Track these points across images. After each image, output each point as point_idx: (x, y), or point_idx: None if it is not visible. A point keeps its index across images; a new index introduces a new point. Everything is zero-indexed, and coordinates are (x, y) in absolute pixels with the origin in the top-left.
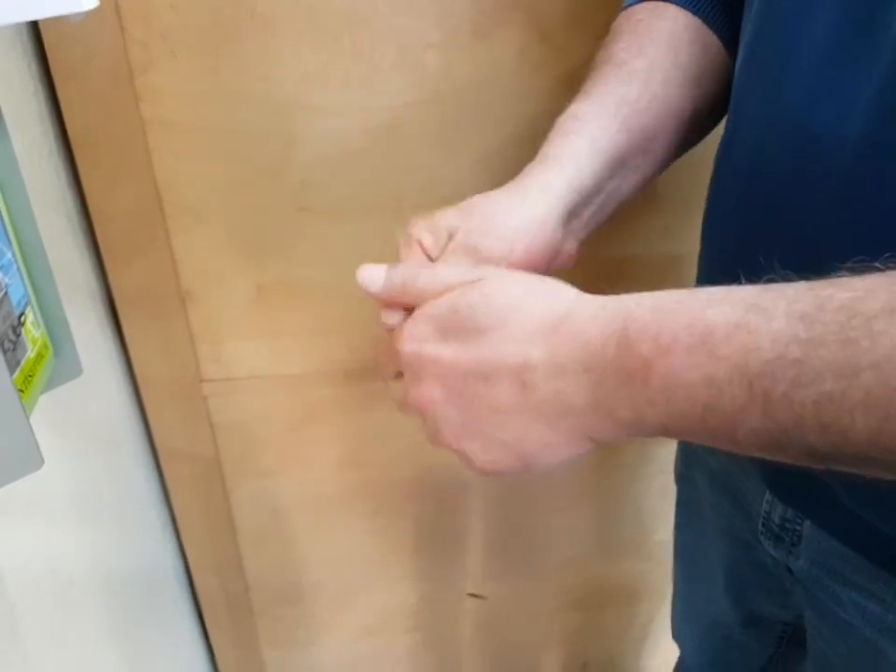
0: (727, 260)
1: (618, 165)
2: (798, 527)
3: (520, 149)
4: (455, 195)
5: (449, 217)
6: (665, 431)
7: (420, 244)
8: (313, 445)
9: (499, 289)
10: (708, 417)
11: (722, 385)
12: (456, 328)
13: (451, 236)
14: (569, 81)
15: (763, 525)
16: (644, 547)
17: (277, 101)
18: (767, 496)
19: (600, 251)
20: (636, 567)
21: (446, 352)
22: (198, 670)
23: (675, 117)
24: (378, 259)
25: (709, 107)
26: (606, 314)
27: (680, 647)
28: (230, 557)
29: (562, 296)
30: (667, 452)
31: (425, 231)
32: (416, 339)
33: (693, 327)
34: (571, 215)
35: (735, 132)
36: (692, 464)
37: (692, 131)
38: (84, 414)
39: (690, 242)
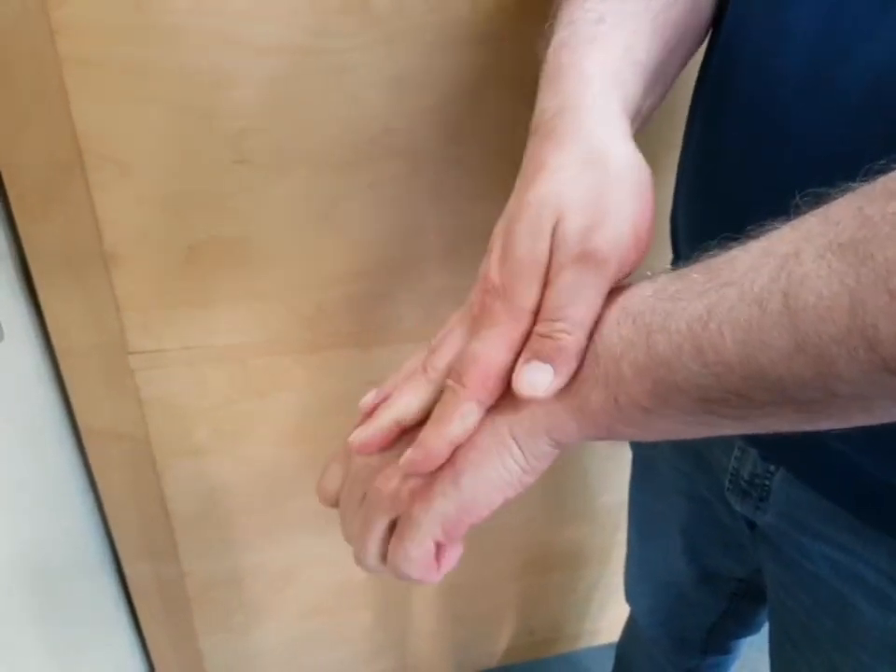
0: (723, 212)
1: (653, 80)
2: (767, 482)
3: (478, 96)
4: (408, 145)
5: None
6: (569, 389)
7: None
8: (251, 421)
9: None
10: (601, 355)
11: (612, 323)
12: None
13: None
14: (535, 21)
15: (731, 481)
16: (589, 510)
17: (211, 37)
18: (736, 451)
19: None
20: (581, 531)
21: None
22: (130, 662)
23: (697, 13)
24: (323, 216)
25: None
26: None
27: (633, 607)
28: (162, 542)
29: None
30: None
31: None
32: None
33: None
34: None
35: (728, 67)
36: None
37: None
38: None
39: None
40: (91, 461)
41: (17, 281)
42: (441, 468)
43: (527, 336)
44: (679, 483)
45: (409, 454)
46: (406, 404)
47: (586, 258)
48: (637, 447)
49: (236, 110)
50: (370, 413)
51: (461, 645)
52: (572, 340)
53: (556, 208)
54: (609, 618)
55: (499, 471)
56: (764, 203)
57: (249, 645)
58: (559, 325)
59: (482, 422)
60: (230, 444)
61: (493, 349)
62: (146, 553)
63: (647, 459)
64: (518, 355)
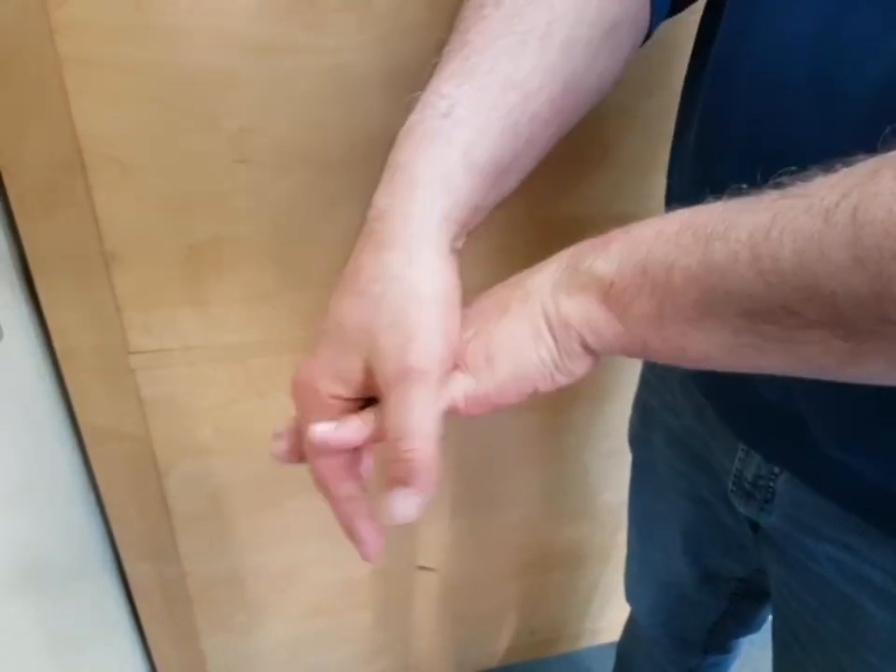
0: None
1: (494, 179)
2: (772, 484)
3: None
4: None
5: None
6: (612, 296)
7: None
8: (252, 420)
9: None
10: (651, 263)
11: (669, 234)
12: None
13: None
14: None
15: (734, 483)
16: (590, 509)
17: (211, 37)
18: (739, 453)
19: (550, 211)
20: (582, 530)
21: None
22: (131, 662)
23: (576, 93)
24: (323, 215)
25: (620, 67)
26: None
27: (634, 607)
28: (164, 542)
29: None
30: (616, 414)
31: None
32: None
33: (652, 218)
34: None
35: (724, 76)
36: (649, 424)
37: (592, 104)
38: None
39: (641, 201)
40: (92, 461)
41: (17, 281)
42: (473, 346)
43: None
44: (678, 484)
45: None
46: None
47: (406, 374)
48: (637, 449)
49: (236, 110)
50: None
51: (462, 645)
52: (420, 454)
53: (367, 331)
54: (610, 617)
55: (532, 359)
56: None
57: (251, 645)
58: (402, 444)
59: (518, 299)
60: (231, 444)
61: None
62: (147, 552)
63: (646, 461)
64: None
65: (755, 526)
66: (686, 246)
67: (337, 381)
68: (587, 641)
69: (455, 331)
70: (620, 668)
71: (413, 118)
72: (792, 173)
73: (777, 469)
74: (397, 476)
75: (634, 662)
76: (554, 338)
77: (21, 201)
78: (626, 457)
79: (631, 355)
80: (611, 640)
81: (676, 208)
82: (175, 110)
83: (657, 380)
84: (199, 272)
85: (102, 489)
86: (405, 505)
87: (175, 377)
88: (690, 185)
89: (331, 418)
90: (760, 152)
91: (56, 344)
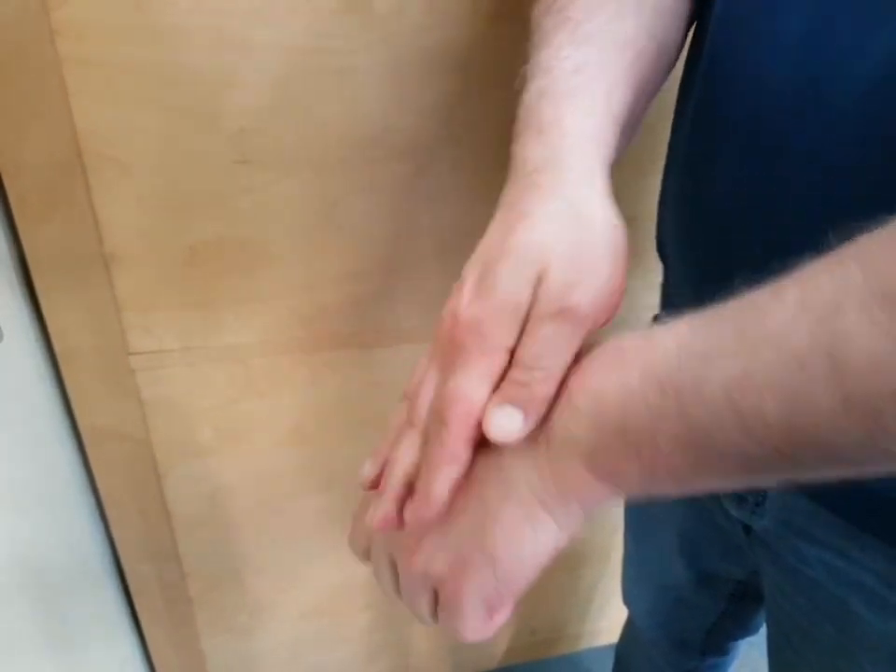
0: (713, 226)
1: (628, 129)
2: (763, 488)
3: (477, 98)
4: (408, 146)
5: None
6: (600, 464)
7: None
8: (252, 421)
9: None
10: (630, 427)
11: (635, 389)
12: None
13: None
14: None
15: None
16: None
17: (212, 37)
18: None
19: None
20: (581, 531)
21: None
22: (131, 663)
23: (668, 55)
24: (324, 216)
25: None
26: None
27: (631, 610)
28: (164, 543)
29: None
30: None
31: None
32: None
33: (606, 353)
34: None
35: (716, 75)
36: None
37: (672, 67)
38: None
39: (641, 202)
40: (92, 462)
41: (17, 281)
42: (470, 543)
43: (501, 373)
44: None
45: (410, 510)
46: (408, 461)
47: (565, 313)
48: None
49: (237, 110)
50: (375, 485)
51: (462, 645)
52: (545, 389)
53: (540, 259)
54: (610, 618)
55: (533, 545)
56: (755, 216)
57: (251, 645)
58: (537, 374)
59: (504, 494)
60: (231, 445)
61: (471, 386)
62: (147, 553)
63: None
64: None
65: (748, 529)
66: (660, 408)
67: (514, 320)
68: (587, 642)
69: (619, 285)
70: (619, 670)
71: (541, 81)
72: (727, 275)
73: None
74: (515, 396)
75: (632, 663)
76: (552, 516)
77: (20, 201)
78: None
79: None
80: (611, 641)
81: (667, 213)
82: (175, 110)
83: None
84: (199, 272)
85: (102, 490)
86: (509, 422)
87: (174, 378)
88: (683, 186)
89: (483, 375)
90: (752, 154)
91: (56, 345)
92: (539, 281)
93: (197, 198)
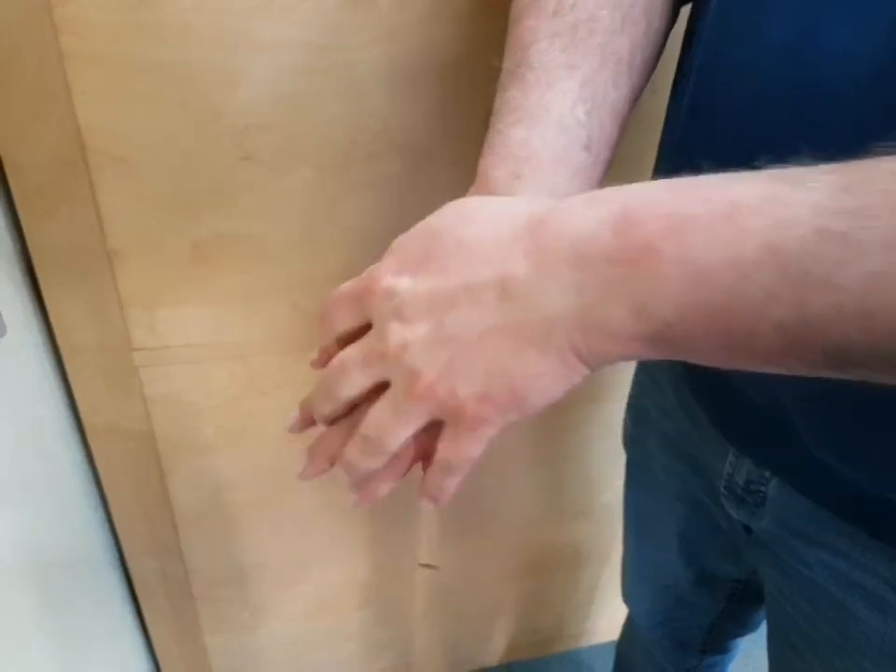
0: None
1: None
2: (763, 489)
3: (481, 93)
4: (411, 143)
5: None
6: (670, 339)
7: None
8: (256, 418)
9: (461, 207)
10: (729, 312)
11: (750, 267)
12: (424, 257)
13: None
14: None
15: (726, 487)
16: (591, 509)
17: (215, 34)
18: (730, 457)
19: None
20: (582, 530)
21: (420, 285)
22: (135, 659)
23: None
24: (326, 213)
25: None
26: (599, 202)
27: (631, 609)
28: (167, 540)
29: (541, 201)
30: (616, 414)
31: None
32: (388, 272)
33: (714, 201)
34: None
35: (708, 76)
36: (643, 427)
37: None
38: (1, 387)
39: None
40: (96, 458)
41: (21, 278)
42: (499, 382)
43: None
44: (674, 487)
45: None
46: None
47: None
48: (631, 451)
49: (240, 107)
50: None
51: (463, 642)
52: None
53: None
54: (610, 617)
55: (563, 389)
56: None
57: (254, 642)
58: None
59: (534, 336)
60: (234, 441)
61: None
62: (150, 550)
63: (641, 462)
64: None
65: (748, 530)
66: (774, 292)
67: None
68: (587, 640)
69: None
70: (619, 668)
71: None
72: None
73: (767, 474)
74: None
75: (633, 662)
76: (589, 366)
77: (24, 198)
78: (625, 457)
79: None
80: (612, 639)
81: None
82: (178, 107)
83: (649, 382)
84: (202, 269)
85: (105, 486)
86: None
87: (177, 375)
88: None
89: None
90: (744, 154)
91: (59, 341)
92: None
93: (200, 195)
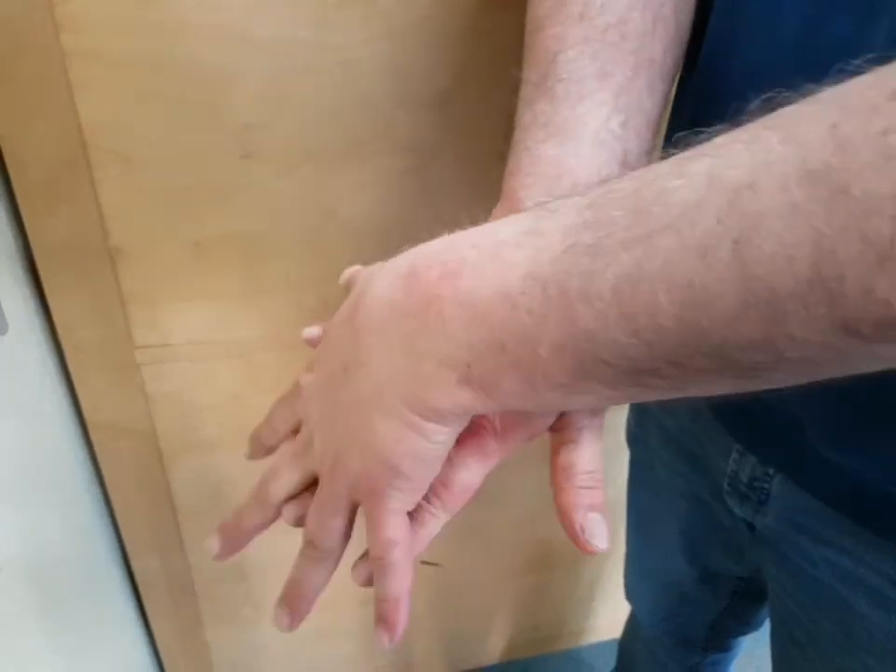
0: None
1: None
2: (766, 486)
3: (482, 91)
4: (412, 141)
5: None
6: (480, 383)
7: None
8: (257, 415)
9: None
10: (508, 340)
11: (517, 297)
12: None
13: None
14: None
15: (730, 484)
16: None
17: (216, 32)
18: (734, 454)
19: None
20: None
21: (314, 377)
22: (137, 654)
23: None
24: (328, 210)
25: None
26: (393, 265)
27: (633, 606)
28: (169, 536)
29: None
30: (618, 411)
31: None
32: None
33: (482, 245)
34: None
35: (715, 71)
36: (644, 424)
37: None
38: (4, 385)
39: None
40: (98, 456)
41: (22, 275)
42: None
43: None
44: (676, 485)
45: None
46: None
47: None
48: (634, 449)
49: (241, 105)
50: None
51: (465, 640)
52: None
53: None
54: (612, 614)
55: (434, 452)
56: None
57: (255, 637)
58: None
59: (373, 412)
60: (236, 438)
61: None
62: (152, 546)
63: (643, 460)
64: None
65: (751, 527)
66: (542, 315)
67: None
68: (589, 638)
69: None
70: (621, 665)
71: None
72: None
73: (771, 471)
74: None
75: (635, 659)
76: (435, 423)
77: (26, 196)
78: (627, 455)
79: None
80: (613, 637)
81: None
82: (179, 105)
83: None
84: (204, 267)
85: (107, 483)
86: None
87: (180, 372)
88: None
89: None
90: None
91: (61, 339)
92: None
93: (201, 193)
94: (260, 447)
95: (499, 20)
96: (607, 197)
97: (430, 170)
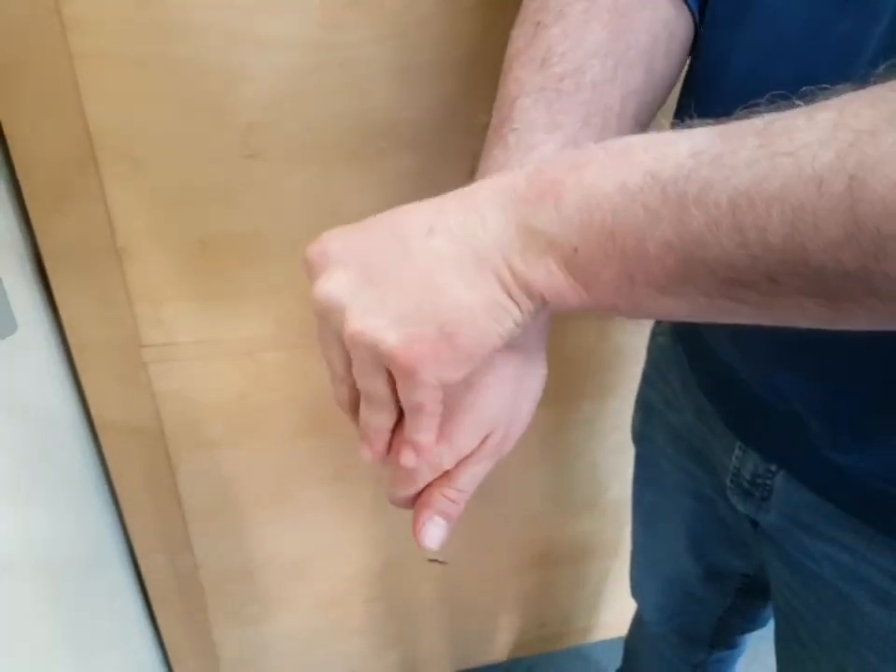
0: None
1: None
2: (769, 482)
3: (487, 89)
4: (418, 139)
5: None
6: (582, 267)
7: None
8: (265, 413)
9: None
10: (619, 230)
11: (635, 191)
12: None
13: None
14: None
15: (732, 481)
16: (598, 504)
17: (222, 32)
18: (737, 451)
19: None
20: (589, 525)
21: (352, 236)
22: (145, 652)
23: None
24: (333, 209)
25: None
26: (521, 169)
27: (639, 603)
28: (177, 535)
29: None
30: (623, 409)
31: None
32: (320, 241)
33: (612, 147)
34: None
35: (715, 76)
36: (650, 421)
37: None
38: (12, 384)
39: None
40: (106, 454)
41: (31, 274)
42: (424, 318)
43: None
44: (682, 482)
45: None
46: None
47: (496, 456)
48: (640, 446)
49: (247, 105)
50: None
51: (472, 637)
52: (463, 505)
53: (491, 424)
54: (619, 611)
55: (496, 331)
56: None
57: (262, 635)
58: (465, 494)
59: (465, 270)
60: (242, 437)
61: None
62: (160, 545)
63: (649, 457)
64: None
65: (755, 524)
66: (656, 211)
67: None
68: (595, 635)
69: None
70: (627, 662)
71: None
72: (773, 102)
73: (774, 468)
74: (443, 509)
75: (641, 656)
76: (518, 305)
77: (34, 196)
78: (633, 452)
79: (593, 311)
80: (620, 634)
81: None
82: (185, 105)
83: (658, 377)
84: (210, 266)
85: (115, 482)
86: (440, 531)
87: (186, 370)
88: None
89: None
90: None
91: (69, 338)
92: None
93: (207, 192)
94: (346, 403)
95: (503, 20)
96: (736, 124)
97: (436, 169)
